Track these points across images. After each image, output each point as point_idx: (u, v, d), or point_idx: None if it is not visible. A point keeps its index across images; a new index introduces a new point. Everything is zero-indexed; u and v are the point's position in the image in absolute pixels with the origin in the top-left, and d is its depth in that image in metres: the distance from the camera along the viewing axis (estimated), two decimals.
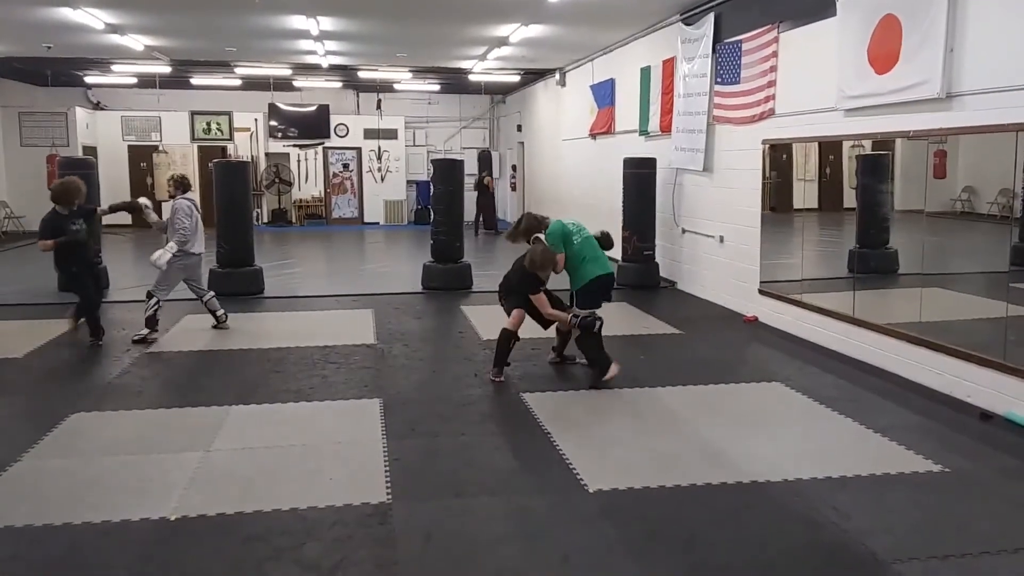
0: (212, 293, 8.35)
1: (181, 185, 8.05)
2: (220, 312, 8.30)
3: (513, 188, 21.28)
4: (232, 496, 4.24)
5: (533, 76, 17.70)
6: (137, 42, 12.83)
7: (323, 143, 20.81)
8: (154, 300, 7.77)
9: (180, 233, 7.76)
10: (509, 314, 6.39)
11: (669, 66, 10.73)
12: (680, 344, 7.85)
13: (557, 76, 16.44)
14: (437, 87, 20.20)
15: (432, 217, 11.14)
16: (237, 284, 10.20)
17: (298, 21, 11.27)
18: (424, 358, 7.22)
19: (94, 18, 10.82)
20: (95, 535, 3.81)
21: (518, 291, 6.36)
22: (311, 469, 4.64)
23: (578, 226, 6.49)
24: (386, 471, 4.57)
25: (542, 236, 6.39)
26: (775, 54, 8.27)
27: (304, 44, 13.36)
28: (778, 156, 8.75)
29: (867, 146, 7.67)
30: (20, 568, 3.53)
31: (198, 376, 6.71)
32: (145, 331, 7.72)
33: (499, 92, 21.39)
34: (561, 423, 5.42)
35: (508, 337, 6.36)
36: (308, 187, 20.97)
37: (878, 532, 3.82)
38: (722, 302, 9.51)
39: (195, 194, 8.40)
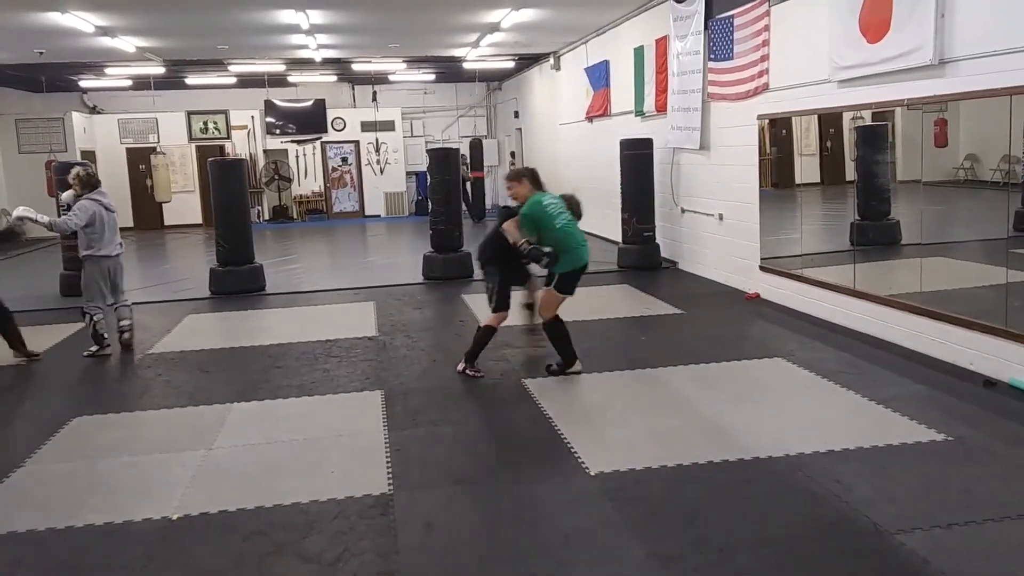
0: (126, 301, 7.60)
1: (87, 183, 7.23)
2: (126, 322, 7.48)
3: None
4: (234, 493, 4.24)
5: (528, 61, 17.61)
6: (128, 44, 12.82)
7: (320, 138, 20.77)
8: (88, 318, 7.23)
9: (63, 222, 7.09)
10: (489, 293, 6.30)
11: (662, 45, 10.66)
12: (682, 324, 7.82)
13: (551, 60, 16.35)
14: (432, 76, 20.12)
15: (431, 207, 11.12)
16: (238, 282, 10.22)
17: (287, 16, 11.23)
18: (425, 348, 7.22)
19: (84, 21, 10.80)
20: (97, 537, 3.82)
21: (491, 260, 6.25)
22: (313, 463, 4.64)
23: (559, 207, 5.99)
24: (387, 462, 4.57)
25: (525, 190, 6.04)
26: (767, 28, 8.20)
27: (296, 39, 13.32)
28: (778, 132, 8.69)
29: (867, 117, 7.60)
30: (23, 574, 3.55)
31: (200, 375, 6.71)
32: (94, 347, 7.23)
33: (495, 79, 21.30)
34: (562, 407, 5.41)
35: (490, 334, 6.24)
36: (308, 182, 20.94)
37: (880, 503, 3.80)
38: (723, 280, 9.48)
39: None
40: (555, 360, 6.17)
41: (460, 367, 6.25)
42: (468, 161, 20.06)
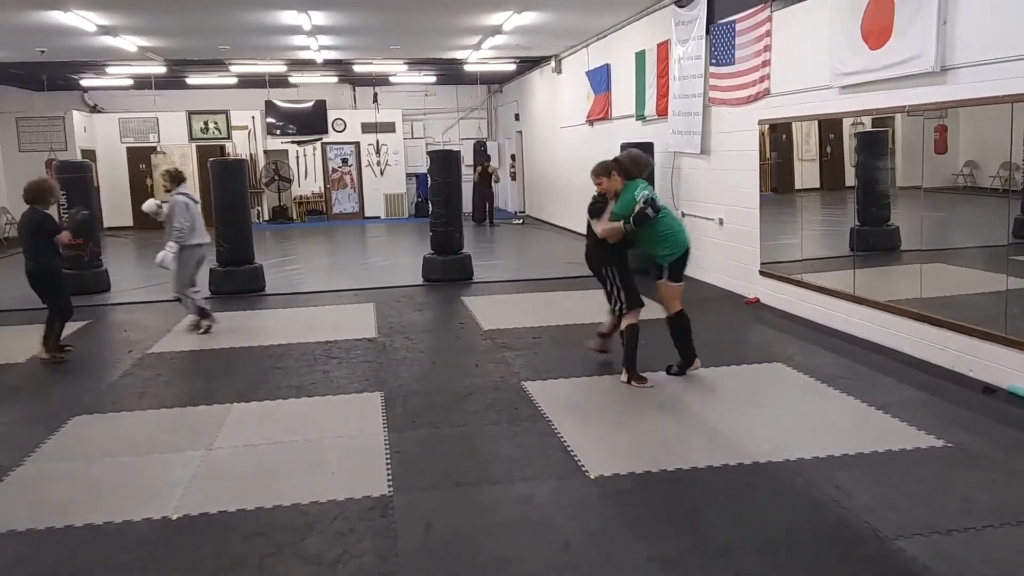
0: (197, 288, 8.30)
1: (176, 179, 8.05)
2: (194, 317, 8.18)
3: (513, 177, 21.25)
4: (233, 493, 4.24)
5: (529, 64, 17.63)
6: (130, 43, 12.82)
7: (321, 139, 20.78)
8: (189, 302, 8.00)
9: (177, 232, 7.79)
10: (610, 295, 6.18)
11: (664, 49, 10.67)
12: None
13: (553, 63, 16.37)
14: (433, 79, 20.13)
15: (431, 209, 11.12)
16: (237, 282, 10.22)
17: (289, 16, 11.23)
18: (425, 350, 7.22)
19: (86, 20, 10.80)
20: (97, 537, 3.82)
21: (603, 261, 6.17)
22: (312, 464, 4.64)
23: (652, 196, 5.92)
24: (387, 463, 4.57)
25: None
26: (769, 33, 8.21)
27: (297, 40, 13.33)
28: (778, 137, 8.70)
29: (867, 123, 7.61)
30: (22, 573, 3.54)
31: (200, 375, 6.71)
32: (206, 322, 7.99)
33: (496, 81, 21.32)
34: (562, 410, 5.42)
35: (636, 332, 6.04)
36: (308, 183, 20.95)
37: (880, 509, 3.80)
38: (723, 284, 9.49)
39: (192, 188, 8.47)
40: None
41: (623, 378, 5.95)
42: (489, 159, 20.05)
